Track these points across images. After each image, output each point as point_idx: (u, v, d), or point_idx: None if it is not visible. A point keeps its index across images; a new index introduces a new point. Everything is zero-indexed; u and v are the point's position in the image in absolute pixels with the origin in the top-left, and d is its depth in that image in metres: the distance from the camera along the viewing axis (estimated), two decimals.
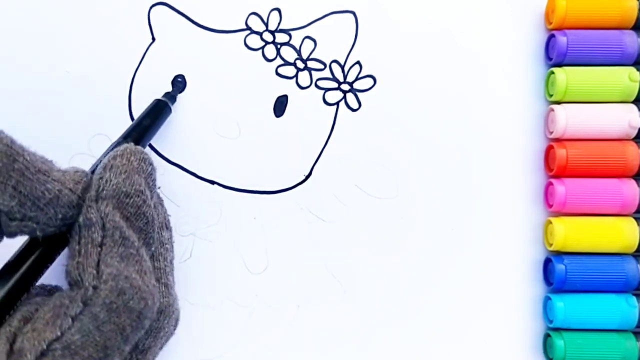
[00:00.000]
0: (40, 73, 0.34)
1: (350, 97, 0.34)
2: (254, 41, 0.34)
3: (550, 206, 0.33)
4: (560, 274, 0.32)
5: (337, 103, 0.34)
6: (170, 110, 0.32)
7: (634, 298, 0.32)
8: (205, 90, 0.34)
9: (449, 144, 0.34)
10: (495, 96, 0.34)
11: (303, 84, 0.34)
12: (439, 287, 0.34)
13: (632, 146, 0.32)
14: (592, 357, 0.31)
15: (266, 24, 0.34)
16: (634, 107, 0.32)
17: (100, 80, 0.34)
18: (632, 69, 0.32)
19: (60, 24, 0.34)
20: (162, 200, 0.30)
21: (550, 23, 0.34)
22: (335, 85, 0.34)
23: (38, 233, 0.23)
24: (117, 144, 0.28)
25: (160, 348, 0.28)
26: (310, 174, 0.34)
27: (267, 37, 0.34)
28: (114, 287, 0.22)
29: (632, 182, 0.32)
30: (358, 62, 0.34)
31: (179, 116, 0.34)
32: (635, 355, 0.31)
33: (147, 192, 0.26)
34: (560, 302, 0.32)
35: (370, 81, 0.34)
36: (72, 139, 0.34)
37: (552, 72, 0.33)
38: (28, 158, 0.23)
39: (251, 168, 0.34)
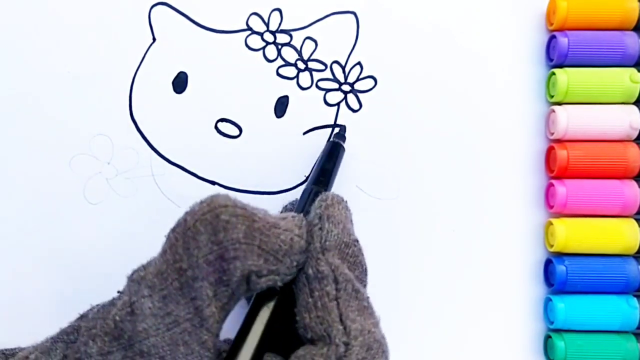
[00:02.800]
0: (40, 73, 0.34)
1: (351, 97, 0.34)
2: (255, 42, 0.34)
3: (551, 207, 0.33)
4: (561, 275, 0.32)
5: (338, 104, 0.34)
6: (344, 150, 0.32)
7: (635, 299, 0.32)
8: (205, 90, 0.34)
9: (450, 145, 0.34)
10: (496, 97, 0.34)
11: (304, 85, 0.34)
12: (439, 288, 0.34)
13: (633, 147, 0.32)
14: (593, 358, 0.31)
15: (267, 25, 0.34)
16: (635, 108, 0.32)
17: (100, 80, 0.34)
18: (633, 70, 0.32)
19: (61, 24, 0.34)
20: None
21: (552, 24, 0.34)
22: (336, 86, 0.34)
23: (279, 284, 0.23)
24: (311, 190, 0.29)
25: None
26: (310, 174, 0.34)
27: (268, 37, 0.34)
28: (363, 343, 0.22)
29: (633, 184, 0.32)
30: (359, 63, 0.34)
31: (180, 116, 0.34)
32: (635, 356, 0.31)
33: (359, 241, 0.26)
34: (561, 303, 0.32)
35: (371, 82, 0.34)
36: (72, 139, 0.34)
37: (553, 73, 0.33)
38: (260, 215, 0.23)
39: (252, 169, 0.34)
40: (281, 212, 0.28)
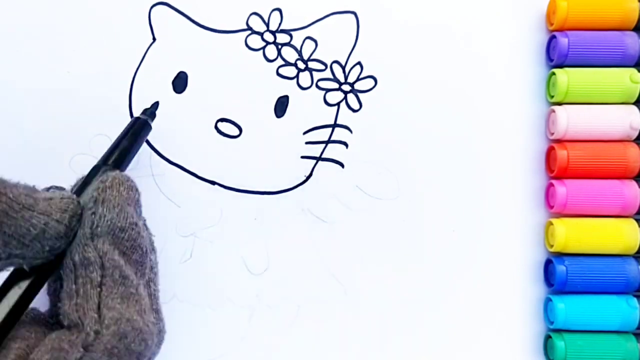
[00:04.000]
0: (41, 73, 0.34)
1: (351, 97, 0.34)
2: (255, 41, 0.34)
3: (551, 207, 0.33)
4: (561, 275, 0.32)
5: (338, 104, 0.34)
6: (150, 128, 0.31)
7: (635, 299, 0.32)
8: (205, 90, 0.34)
9: (450, 145, 0.34)
10: (496, 97, 0.34)
11: (304, 85, 0.34)
12: (439, 288, 0.34)
13: (633, 147, 0.32)
14: (593, 358, 0.31)
15: (267, 24, 0.34)
16: (635, 108, 0.32)
17: (100, 80, 0.34)
18: (634, 70, 0.32)
19: (61, 24, 0.34)
20: (145, 220, 0.29)
21: (552, 24, 0.34)
22: (336, 85, 0.34)
23: (25, 267, 0.23)
24: (98, 167, 0.28)
25: None
26: (311, 174, 0.34)
27: (268, 37, 0.34)
28: (116, 332, 0.22)
29: (633, 184, 0.32)
30: (359, 63, 0.34)
31: (180, 116, 0.34)
32: (635, 356, 0.31)
33: (139, 222, 0.25)
34: (561, 304, 0.32)
35: (371, 82, 0.34)
36: (72, 139, 0.33)
37: (553, 73, 0.33)
38: (11, 195, 0.22)
39: (252, 168, 0.34)
40: (72, 189, 0.27)
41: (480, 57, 0.34)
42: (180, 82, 0.34)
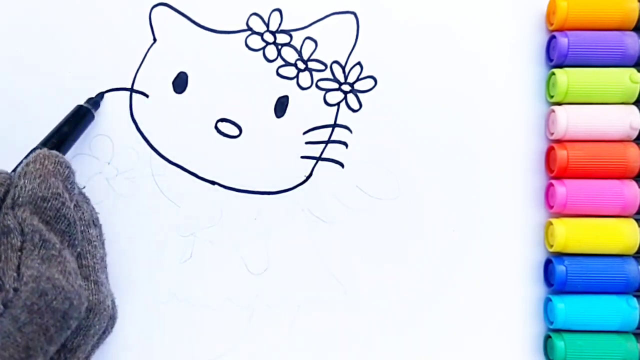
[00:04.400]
0: (42, 73, 0.34)
1: (351, 97, 0.34)
2: (255, 42, 0.34)
3: (551, 207, 0.33)
4: (560, 275, 0.32)
5: (338, 104, 0.34)
6: (92, 117, 0.32)
7: (635, 299, 0.32)
8: (206, 90, 0.34)
9: (450, 145, 0.34)
10: (496, 97, 0.34)
11: (304, 85, 0.34)
12: (439, 288, 0.34)
13: (633, 147, 0.32)
14: (593, 358, 0.31)
15: (267, 25, 0.34)
16: (634, 108, 0.32)
17: (101, 80, 0.34)
18: (633, 70, 0.32)
19: (62, 24, 0.34)
20: (89, 199, 0.30)
21: (552, 24, 0.34)
22: (336, 86, 0.34)
23: None
24: (35, 149, 0.28)
25: (94, 347, 0.28)
26: (311, 174, 0.34)
27: (268, 37, 0.34)
28: (34, 289, 0.22)
29: (633, 184, 0.32)
30: (359, 63, 0.34)
31: (180, 116, 0.34)
32: (635, 356, 0.31)
33: (66, 195, 0.26)
34: (561, 304, 0.32)
35: (371, 82, 0.34)
36: None
37: (553, 73, 0.33)
38: None
39: (252, 169, 0.34)
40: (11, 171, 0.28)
41: (480, 57, 0.34)
42: (180, 82, 0.34)
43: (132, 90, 0.34)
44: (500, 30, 0.34)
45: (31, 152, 0.28)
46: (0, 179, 0.25)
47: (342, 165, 0.34)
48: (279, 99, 0.34)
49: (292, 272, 0.34)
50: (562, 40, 0.33)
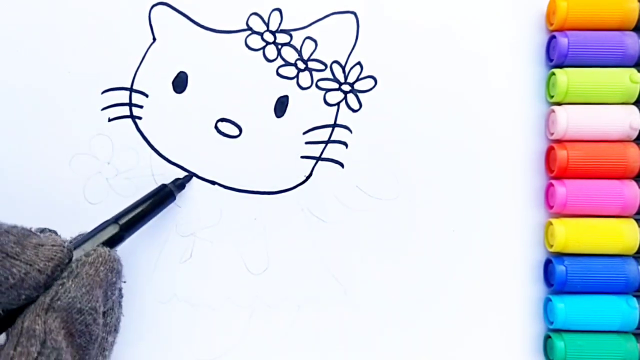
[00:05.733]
0: (41, 73, 0.34)
1: (351, 97, 0.34)
2: (255, 41, 0.34)
3: (551, 207, 0.33)
4: (560, 275, 0.32)
5: (338, 104, 0.34)
6: (174, 199, 0.32)
7: (635, 299, 0.32)
8: (205, 90, 0.34)
9: (450, 145, 0.34)
10: (496, 97, 0.34)
11: (304, 85, 0.34)
12: (439, 288, 0.34)
13: (633, 147, 0.32)
14: (593, 358, 0.31)
15: (267, 25, 0.34)
16: (634, 108, 0.32)
17: (101, 80, 0.34)
18: (633, 71, 0.32)
19: (61, 24, 0.34)
20: (122, 298, 0.29)
21: (552, 24, 0.34)
22: (336, 85, 0.34)
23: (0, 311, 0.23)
24: (107, 223, 0.28)
25: None
26: (310, 174, 0.34)
27: (268, 37, 0.34)
28: None
29: (633, 184, 0.32)
30: (359, 63, 0.34)
31: (180, 116, 0.34)
32: (635, 356, 0.31)
33: (100, 309, 0.25)
34: (561, 304, 0.32)
35: (371, 82, 0.34)
36: (72, 139, 0.34)
37: (553, 74, 0.33)
38: None
39: (252, 168, 0.34)
40: (72, 239, 0.27)
41: (480, 57, 0.34)
42: (180, 82, 0.34)
43: (131, 89, 0.34)
44: (500, 30, 0.34)
45: (103, 225, 0.28)
46: (51, 253, 0.24)
47: (342, 165, 0.34)
48: (279, 98, 0.34)
49: (292, 272, 0.34)
50: (562, 40, 0.33)
